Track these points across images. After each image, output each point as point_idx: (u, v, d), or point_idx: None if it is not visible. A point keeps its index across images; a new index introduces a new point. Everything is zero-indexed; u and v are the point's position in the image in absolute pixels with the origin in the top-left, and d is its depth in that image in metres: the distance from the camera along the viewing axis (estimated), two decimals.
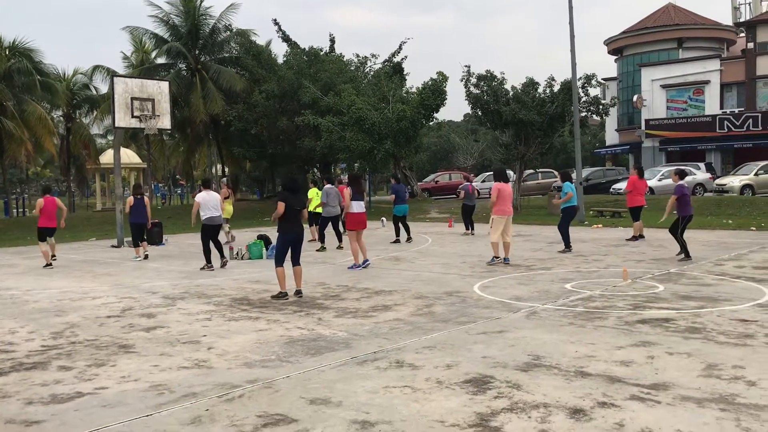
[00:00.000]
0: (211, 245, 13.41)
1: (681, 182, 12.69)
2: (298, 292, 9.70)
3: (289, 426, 4.56)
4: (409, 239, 17.53)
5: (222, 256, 13.64)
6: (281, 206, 9.48)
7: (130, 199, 15.48)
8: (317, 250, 15.93)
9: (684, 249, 12.48)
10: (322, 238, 16.63)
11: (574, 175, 18.23)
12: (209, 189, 13.65)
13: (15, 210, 38.90)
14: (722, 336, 6.67)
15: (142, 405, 5.10)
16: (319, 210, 16.90)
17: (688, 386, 5.14)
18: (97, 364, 6.30)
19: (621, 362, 5.84)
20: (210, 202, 13.20)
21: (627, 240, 16.16)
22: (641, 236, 16.24)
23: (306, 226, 15.35)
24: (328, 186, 16.64)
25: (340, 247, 16.34)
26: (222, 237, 13.94)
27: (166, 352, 6.72)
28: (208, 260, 13.20)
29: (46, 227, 14.45)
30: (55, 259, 14.72)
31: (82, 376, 5.92)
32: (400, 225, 17.62)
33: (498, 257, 12.72)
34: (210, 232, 13.29)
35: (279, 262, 9.63)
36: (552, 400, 4.92)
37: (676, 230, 12.61)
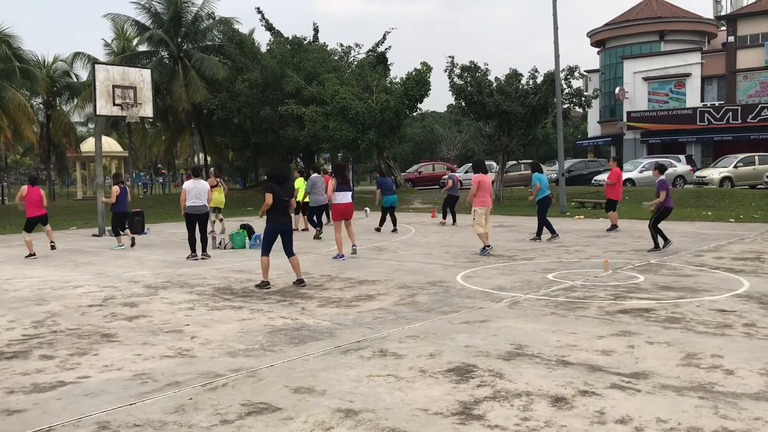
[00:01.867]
0: (198, 235, 13.29)
1: (662, 177, 12.81)
2: (300, 281, 9.70)
3: (273, 414, 4.58)
4: (394, 230, 17.60)
5: (204, 249, 13.36)
6: (269, 197, 9.44)
7: (116, 189, 15.32)
8: (314, 237, 16.09)
9: (654, 240, 12.57)
10: (317, 225, 16.69)
11: (555, 167, 18.35)
12: (198, 177, 13.45)
13: None
14: (701, 326, 6.77)
15: (126, 394, 5.09)
16: (307, 199, 17.20)
17: (667, 375, 5.22)
18: (79, 353, 6.27)
19: (602, 351, 5.91)
20: (194, 190, 13.08)
21: (607, 230, 16.31)
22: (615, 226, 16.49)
23: (293, 215, 15.37)
24: (314, 175, 16.74)
25: (317, 237, 16.34)
26: (208, 227, 13.79)
27: (148, 341, 6.70)
28: (193, 249, 13.12)
29: (35, 216, 13.97)
30: (53, 247, 14.21)
31: (64, 365, 5.89)
32: (388, 215, 17.78)
33: (489, 246, 12.78)
34: (192, 220, 13.18)
35: (265, 252, 9.60)
36: (534, 388, 4.97)
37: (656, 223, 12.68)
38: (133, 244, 15.43)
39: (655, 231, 12.59)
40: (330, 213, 17.56)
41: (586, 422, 4.31)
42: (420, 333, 6.73)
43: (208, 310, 8.14)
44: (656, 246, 12.54)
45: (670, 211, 12.69)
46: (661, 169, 13.08)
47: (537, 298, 8.38)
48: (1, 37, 32.30)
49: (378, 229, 17.68)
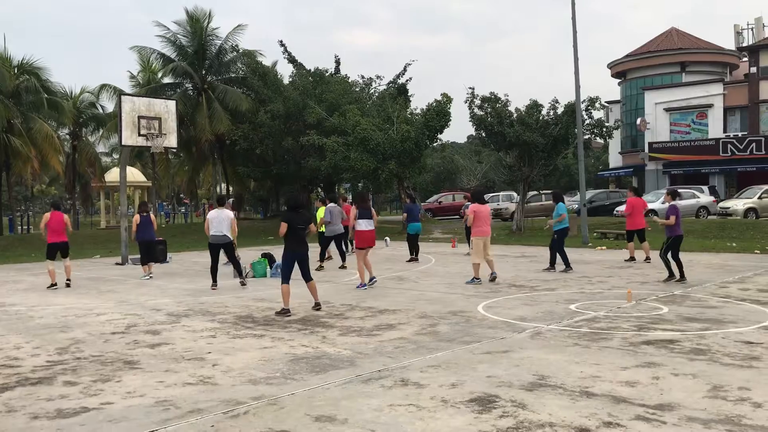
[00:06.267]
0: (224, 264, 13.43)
1: (673, 202, 12.71)
2: (317, 305, 10.03)
3: None
4: (415, 259, 17.60)
5: (239, 274, 13.66)
6: (283, 227, 9.78)
7: (137, 217, 15.47)
8: (315, 269, 16.02)
9: (668, 269, 12.50)
10: (322, 257, 16.66)
11: (576, 197, 18.26)
12: (222, 207, 13.50)
13: (20, 227, 39.00)
14: (727, 358, 6.66)
15: (148, 420, 5.11)
16: (323, 229, 17.10)
17: (693, 407, 5.14)
18: (102, 380, 6.31)
19: (626, 382, 5.84)
20: (215, 220, 13.16)
21: (644, 261, 16.05)
22: (641, 258, 16.24)
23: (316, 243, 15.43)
24: (330, 205, 16.74)
25: (343, 267, 16.36)
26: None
27: (171, 368, 6.73)
28: (215, 279, 13.16)
29: (55, 242, 13.97)
30: (68, 284, 13.98)
31: (88, 392, 5.93)
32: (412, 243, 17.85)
33: (478, 278, 12.86)
34: (216, 249, 13.27)
35: (285, 280, 9.77)
36: (557, 419, 4.91)
37: (666, 252, 12.54)
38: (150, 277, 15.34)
39: (668, 260, 12.46)
40: (347, 241, 17.60)
41: None
42: (441, 363, 6.70)
43: (229, 338, 8.16)
44: (671, 275, 12.44)
45: (680, 238, 12.49)
46: (673, 194, 13.01)
47: (560, 329, 8.31)
48: (30, 70, 33.15)
49: (414, 259, 17.60)
